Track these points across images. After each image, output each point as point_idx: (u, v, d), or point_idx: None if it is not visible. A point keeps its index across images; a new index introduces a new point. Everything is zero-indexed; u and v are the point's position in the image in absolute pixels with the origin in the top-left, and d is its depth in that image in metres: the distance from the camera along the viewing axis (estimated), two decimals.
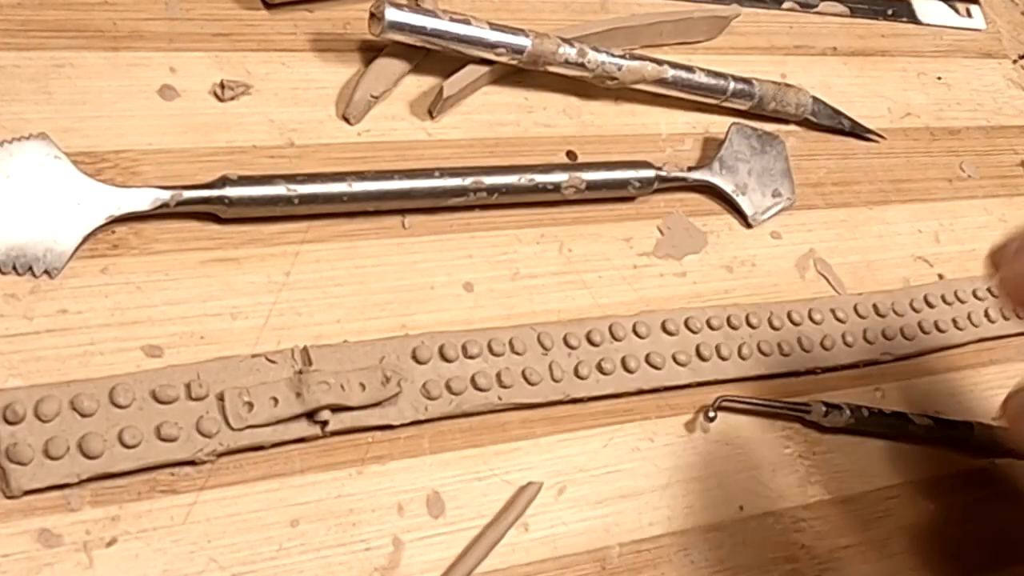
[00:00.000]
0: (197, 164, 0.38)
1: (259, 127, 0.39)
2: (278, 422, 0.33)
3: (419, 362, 0.36)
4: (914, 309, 0.46)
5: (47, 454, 0.30)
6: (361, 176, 0.38)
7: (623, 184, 0.43)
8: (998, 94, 0.58)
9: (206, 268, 0.36)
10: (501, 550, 0.35)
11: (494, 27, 0.42)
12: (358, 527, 0.33)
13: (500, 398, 0.37)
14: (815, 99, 0.50)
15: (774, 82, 0.49)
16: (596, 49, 0.44)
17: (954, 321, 0.47)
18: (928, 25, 0.58)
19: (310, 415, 0.34)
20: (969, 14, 0.60)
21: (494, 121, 0.44)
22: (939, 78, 0.56)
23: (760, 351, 0.42)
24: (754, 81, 0.48)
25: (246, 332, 0.35)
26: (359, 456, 0.35)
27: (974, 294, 0.48)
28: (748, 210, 0.46)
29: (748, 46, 0.52)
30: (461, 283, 0.39)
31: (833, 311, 0.44)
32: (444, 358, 0.36)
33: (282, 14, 0.42)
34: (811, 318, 0.43)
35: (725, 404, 0.40)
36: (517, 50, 0.42)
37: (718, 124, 0.48)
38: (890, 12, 0.58)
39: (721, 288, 0.44)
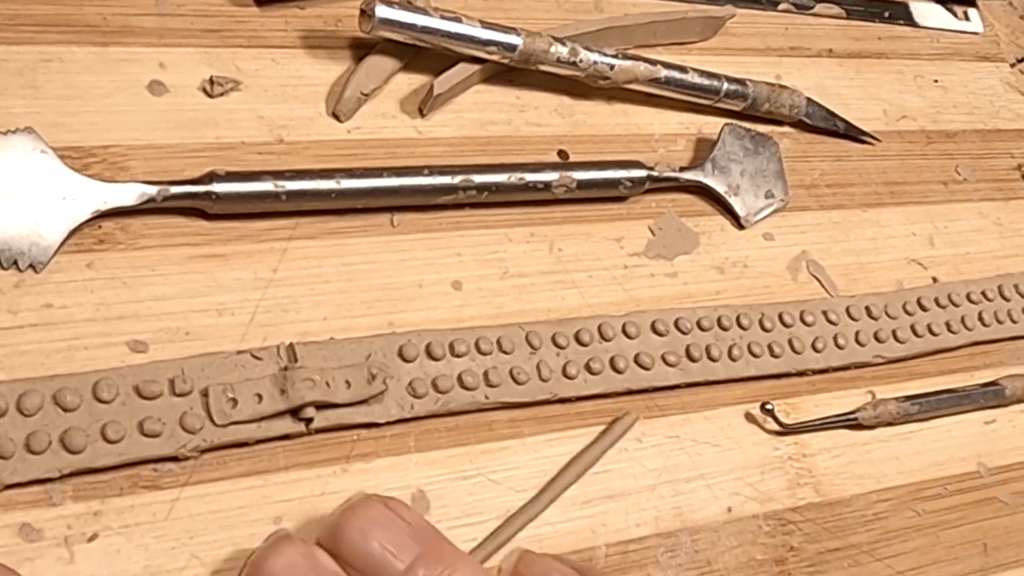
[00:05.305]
0: (185, 160, 0.37)
1: (248, 123, 0.39)
2: (262, 419, 0.33)
3: (406, 360, 0.36)
4: (907, 312, 0.46)
5: (29, 448, 0.30)
6: (350, 173, 0.38)
7: (614, 184, 0.43)
8: (995, 98, 0.57)
9: (193, 264, 0.36)
10: None
11: (485, 25, 0.42)
12: None
13: (487, 397, 0.36)
14: (809, 101, 0.50)
15: (768, 83, 0.49)
16: (588, 48, 0.44)
17: (947, 324, 0.46)
18: (925, 28, 0.58)
19: (295, 412, 0.33)
20: (967, 17, 0.60)
21: (485, 120, 0.44)
22: (936, 81, 0.56)
23: (750, 352, 0.41)
24: (748, 82, 0.48)
25: (232, 328, 0.35)
26: (344, 454, 0.34)
27: (968, 297, 0.47)
28: (740, 211, 0.46)
29: (743, 47, 0.52)
30: (450, 281, 0.39)
31: (825, 313, 0.44)
32: (431, 356, 0.36)
33: (273, 11, 0.42)
34: (803, 320, 0.43)
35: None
36: (508, 48, 0.42)
37: (711, 125, 0.48)
38: (887, 14, 0.57)
39: (712, 289, 0.43)
